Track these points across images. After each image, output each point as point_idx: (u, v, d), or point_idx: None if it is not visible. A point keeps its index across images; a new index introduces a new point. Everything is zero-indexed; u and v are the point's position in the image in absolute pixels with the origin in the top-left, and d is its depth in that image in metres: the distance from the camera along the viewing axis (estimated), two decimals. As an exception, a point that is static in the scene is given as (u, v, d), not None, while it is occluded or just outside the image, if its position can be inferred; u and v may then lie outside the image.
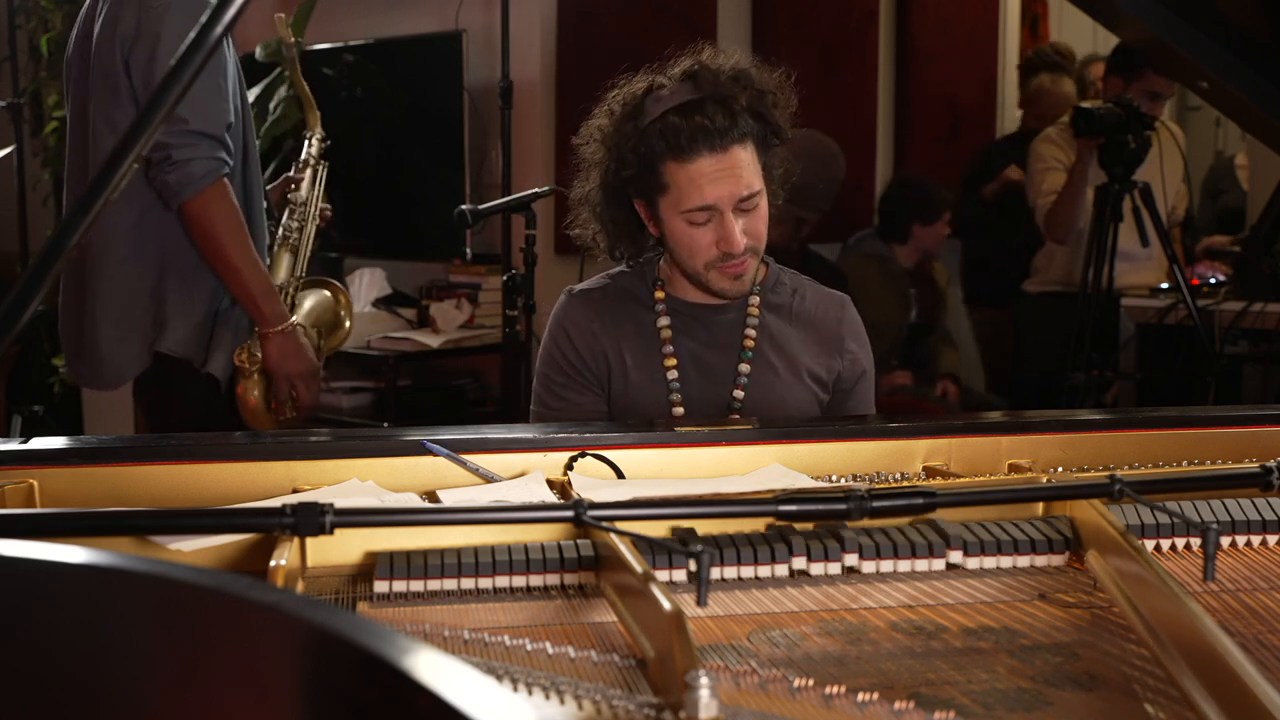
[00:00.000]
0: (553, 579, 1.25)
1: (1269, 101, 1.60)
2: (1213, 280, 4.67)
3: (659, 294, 2.08)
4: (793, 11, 5.18)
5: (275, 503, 1.26)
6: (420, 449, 1.49)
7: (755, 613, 1.20)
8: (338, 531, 1.14)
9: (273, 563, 1.16)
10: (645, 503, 1.31)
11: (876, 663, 1.09)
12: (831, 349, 2.09)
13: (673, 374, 2.03)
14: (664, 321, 2.06)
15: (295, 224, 2.70)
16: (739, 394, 2.03)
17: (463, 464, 1.50)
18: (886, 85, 5.57)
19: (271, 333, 2.48)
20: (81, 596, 0.75)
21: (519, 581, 1.24)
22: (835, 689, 1.00)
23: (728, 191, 1.93)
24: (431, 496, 1.45)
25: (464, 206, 3.12)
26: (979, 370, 4.95)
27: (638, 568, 1.11)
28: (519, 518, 1.26)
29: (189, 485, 1.45)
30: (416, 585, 1.22)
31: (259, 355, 2.48)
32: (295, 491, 1.45)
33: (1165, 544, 1.36)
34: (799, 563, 1.27)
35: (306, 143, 2.80)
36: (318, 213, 2.75)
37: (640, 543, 1.19)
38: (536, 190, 3.13)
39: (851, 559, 1.28)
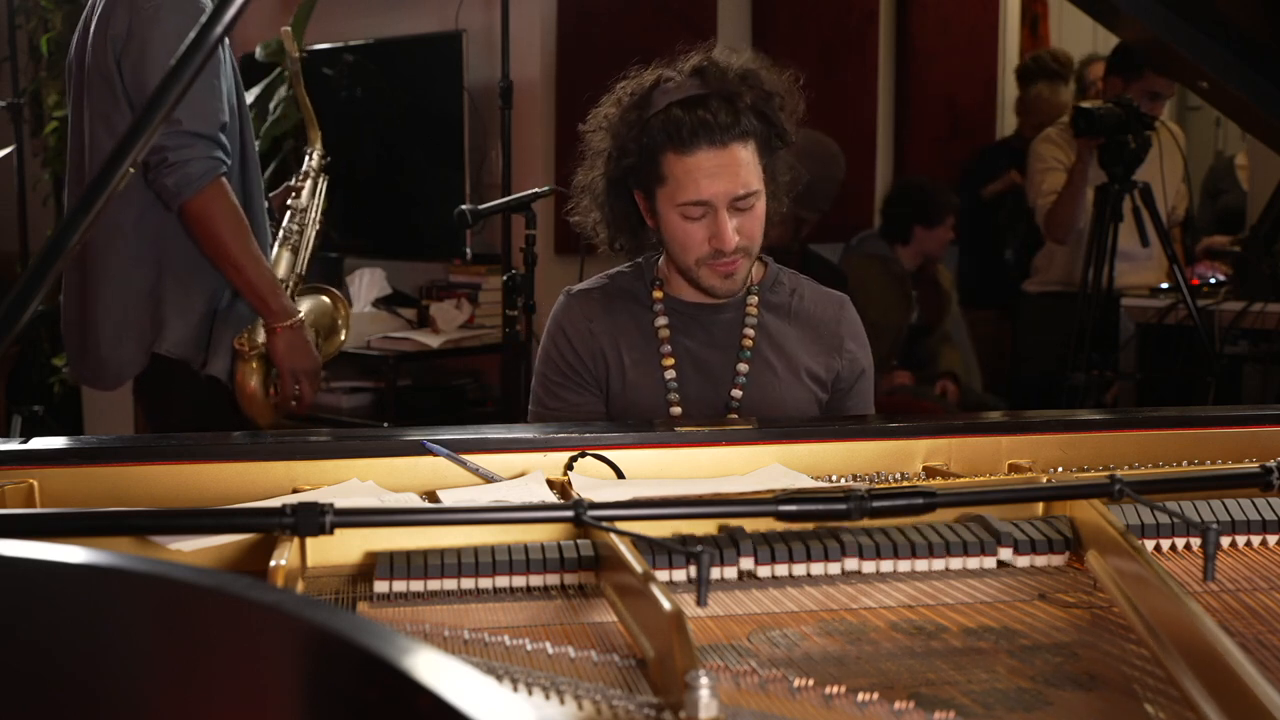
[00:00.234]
0: (553, 579, 1.25)
1: (1269, 101, 1.60)
2: (1213, 280, 4.68)
3: (657, 293, 2.08)
4: (793, 11, 5.18)
5: (275, 503, 1.26)
6: (420, 449, 1.49)
7: (755, 613, 1.20)
8: (338, 531, 1.14)
9: (273, 563, 1.16)
10: (645, 503, 1.31)
11: (876, 663, 1.09)
12: (830, 348, 2.09)
13: (670, 373, 2.03)
14: (662, 321, 2.06)
15: (295, 226, 2.70)
16: (737, 393, 2.03)
17: (463, 464, 1.50)
18: (886, 85, 5.57)
19: (280, 327, 2.48)
20: (81, 596, 0.75)
21: (519, 581, 1.24)
22: (835, 689, 1.00)
23: (723, 188, 1.93)
24: (431, 496, 1.45)
25: (464, 206, 3.12)
26: (976, 371, 4.95)
27: (638, 568, 1.11)
28: (519, 518, 1.26)
29: (189, 485, 1.45)
30: (416, 585, 1.22)
31: (259, 341, 2.49)
32: (295, 491, 1.45)
33: (1165, 544, 1.36)
34: (799, 567, 1.27)
35: (307, 156, 2.80)
36: (318, 218, 2.75)
37: (640, 543, 1.19)
38: (536, 190, 3.13)
39: (852, 562, 1.28)
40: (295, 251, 2.68)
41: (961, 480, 1.49)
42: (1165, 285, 4.38)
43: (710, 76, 1.94)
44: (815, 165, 3.88)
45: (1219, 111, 2.78)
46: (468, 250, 4.49)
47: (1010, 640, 1.14)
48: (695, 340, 2.06)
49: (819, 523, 1.29)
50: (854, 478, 1.57)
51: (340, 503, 1.14)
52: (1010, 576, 1.29)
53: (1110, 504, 1.32)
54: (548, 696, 0.98)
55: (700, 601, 1.09)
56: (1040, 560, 1.32)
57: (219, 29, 1.10)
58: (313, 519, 1.12)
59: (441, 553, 1.24)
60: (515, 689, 1.00)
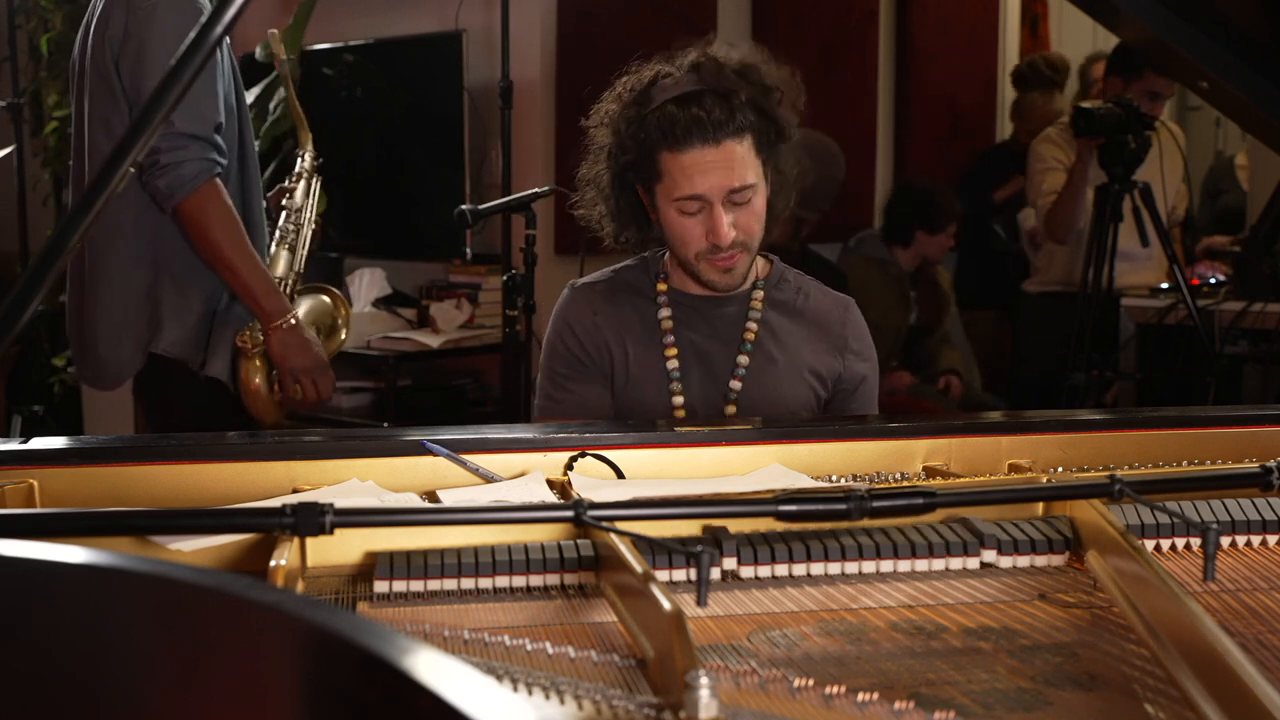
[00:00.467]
0: (553, 579, 1.25)
1: (1269, 101, 1.60)
2: (1213, 280, 4.68)
3: (661, 285, 2.09)
4: (793, 11, 5.18)
5: (275, 503, 1.26)
6: (420, 449, 1.49)
7: (755, 613, 1.20)
8: (338, 531, 1.14)
9: (273, 563, 1.16)
10: (645, 503, 1.31)
11: (876, 663, 1.09)
12: (834, 349, 2.09)
13: (673, 363, 2.04)
14: (665, 313, 2.07)
15: (291, 226, 2.70)
16: (736, 384, 2.03)
17: (463, 464, 1.50)
18: (886, 85, 5.57)
19: (273, 328, 2.49)
20: (81, 596, 0.75)
21: (519, 581, 1.24)
22: (835, 689, 1.00)
23: (717, 183, 1.94)
24: (431, 496, 1.45)
25: (464, 206, 3.12)
26: (976, 371, 4.95)
27: (638, 568, 1.11)
28: (519, 518, 1.26)
29: (189, 485, 1.45)
30: (416, 585, 1.22)
31: (260, 338, 2.49)
32: (295, 491, 1.45)
33: (1165, 544, 1.36)
34: (799, 567, 1.27)
35: (299, 158, 2.80)
36: (313, 217, 2.76)
37: (640, 543, 1.19)
38: (536, 190, 3.13)
39: (852, 565, 1.28)
40: (293, 250, 2.68)
41: (961, 480, 1.49)
42: (1165, 285, 4.38)
43: (707, 72, 1.95)
44: (815, 165, 3.87)
45: (1219, 111, 2.78)
46: (468, 250, 4.49)
47: (1010, 640, 1.14)
48: (698, 332, 2.07)
49: (819, 523, 1.29)
50: (854, 478, 1.57)
51: (340, 503, 1.14)
52: (1010, 576, 1.29)
53: (1110, 504, 1.32)
54: (548, 696, 0.98)
55: (700, 601, 1.09)
56: (1040, 560, 1.31)
57: (219, 29, 1.10)
58: (313, 519, 1.12)
59: (441, 553, 1.24)
60: (515, 689, 1.00)
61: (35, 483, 1.41)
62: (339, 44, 4.78)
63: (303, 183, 2.77)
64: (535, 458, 1.54)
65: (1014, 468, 1.57)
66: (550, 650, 1.08)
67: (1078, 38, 6.27)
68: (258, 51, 4.53)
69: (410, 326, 4.59)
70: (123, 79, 2.42)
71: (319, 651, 0.70)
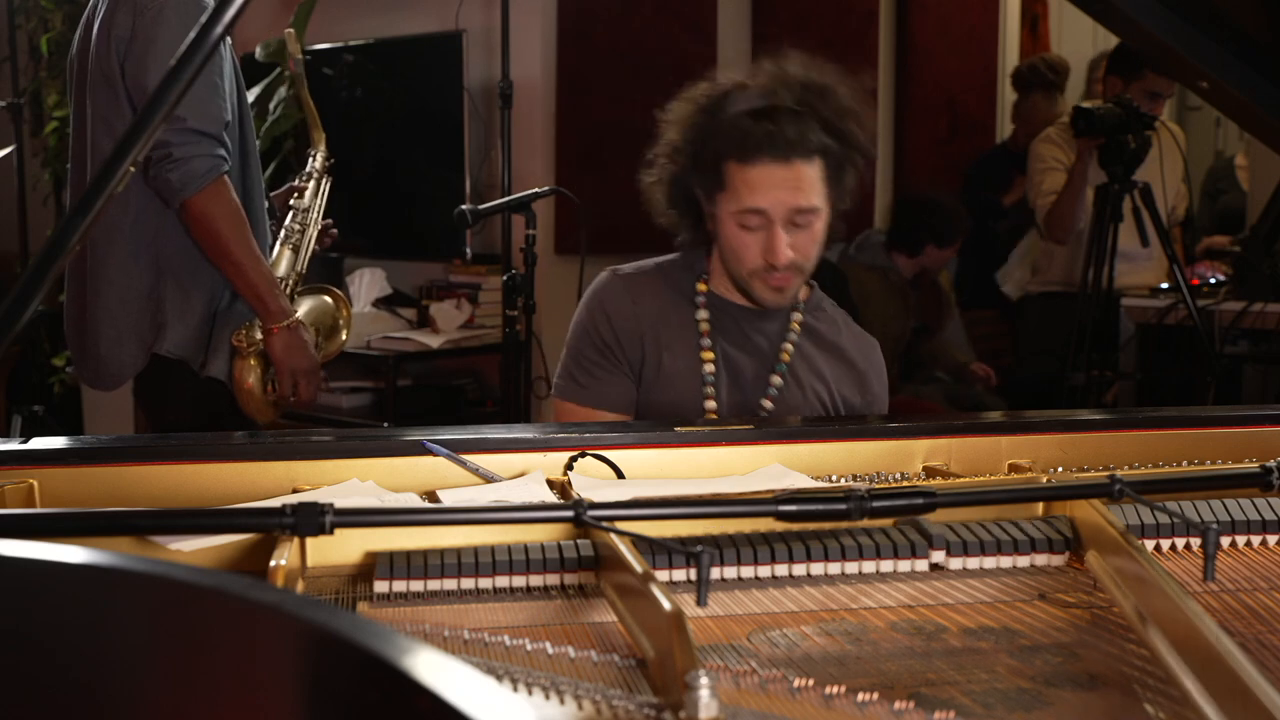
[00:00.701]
0: (553, 579, 1.25)
1: (1269, 101, 1.60)
2: (1213, 280, 4.68)
3: (701, 285, 2.07)
4: (793, 11, 5.18)
5: (275, 503, 1.26)
6: (420, 449, 1.49)
7: (755, 613, 1.20)
8: (338, 531, 1.14)
9: (273, 563, 1.16)
10: (645, 503, 1.31)
11: (876, 663, 1.09)
12: (857, 388, 2.10)
13: (709, 368, 2.03)
14: (703, 315, 2.05)
15: (297, 226, 2.70)
16: (767, 403, 2.03)
17: (463, 464, 1.50)
18: (886, 85, 5.57)
19: (276, 328, 2.49)
20: (81, 596, 0.75)
21: (519, 581, 1.24)
22: (835, 689, 1.00)
23: (782, 201, 1.92)
24: (431, 496, 1.45)
25: (464, 206, 3.12)
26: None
27: (638, 568, 1.11)
28: (519, 518, 1.26)
29: (189, 485, 1.45)
30: (416, 585, 1.22)
31: (257, 338, 2.49)
32: (295, 491, 1.45)
33: (1165, 544, 1.36)
34: (799, 567, 1.27)
35: (311, 158, 2.80)
36: (319, 218, 2.75)
37: (640, 543, 1.19)
38: (536, 190, 3.13)
39: (852, 565, 1.28)
40: (296, 250, 2.68)
41: (961, 480, 1.49)
42: (1165, 285, 4.38)
43: (786, 89, 1.94)
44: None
45: (1219, 111, 2.78)
46: (468, 250, 4.49)
47: (1010, 640, 1.14)
48: (731, 342, 2.05)
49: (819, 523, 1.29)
50: (854, 478, 1.57)
51: (340, 503, 1.14)
52: (1010, 576, 1.29)
53: (1110, 504, 1.31)
54: (548, 696, 0.98)
55: (700, 601, 1.09)
56: (1040, 560, 1.31)
57: (219, 29, 1.10)
58: (313, 519, 1.12)
59: (441, 553, 1.24)
60: (515, 689, 1.00)
61: (35, 483, 1.41)
62: (339, 44, 4.78)
63: (313, 183, 2.77)
64: (535, 458, 1.53)
65: (1014, 468, 1.57)
66: (550, 650, 1.07)
67: (1078, 38, 6.27)
68: (258, 51, 4.52)
69: (410, 326, 4.59)
70: (127, 80, 2.42)
71: (319, 651, 0.70)
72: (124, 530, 1.24)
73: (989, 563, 1.30)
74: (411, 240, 4.79)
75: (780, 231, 1.93)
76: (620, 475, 1.53)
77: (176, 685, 0.74)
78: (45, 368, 5.38)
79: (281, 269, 2.63)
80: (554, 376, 2.12)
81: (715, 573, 1.24)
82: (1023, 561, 1.31)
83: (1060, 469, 1.60)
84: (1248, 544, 1.38)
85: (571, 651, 1.07)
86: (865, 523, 1.24)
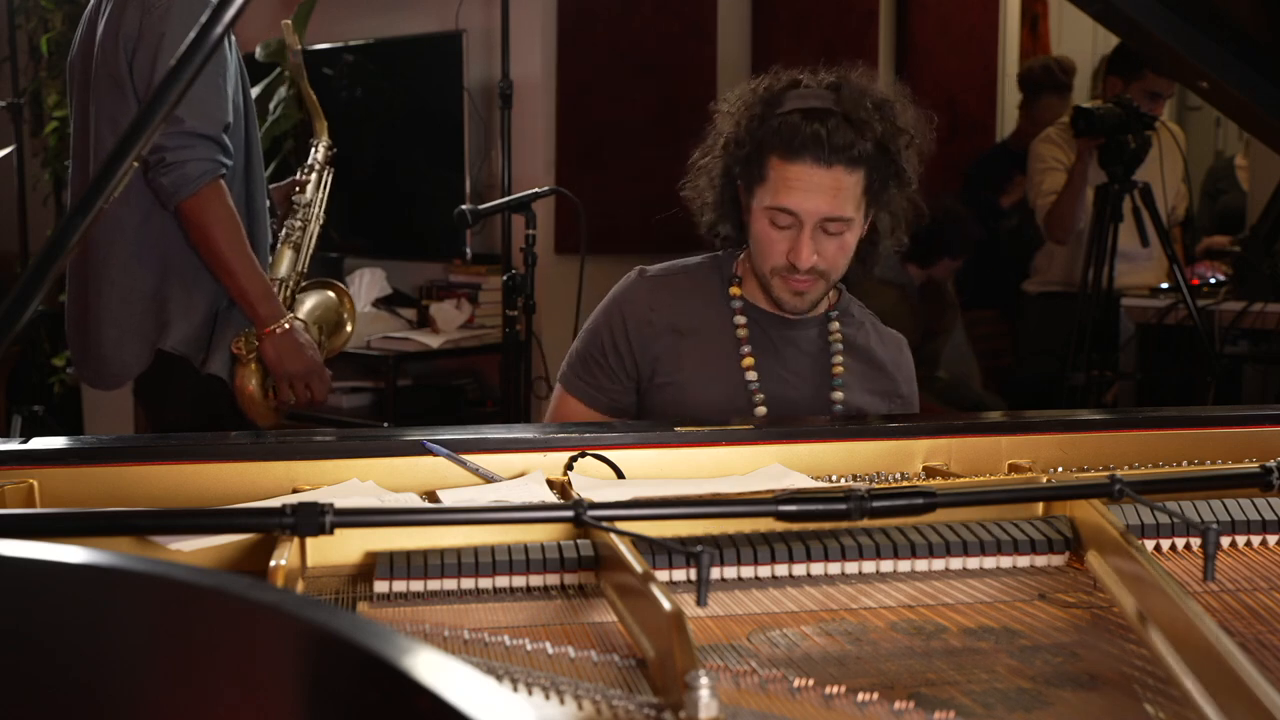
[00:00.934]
0: (553, 579, 1.25)
1: (1269, 101, 1.60)
2: (1213, 280, 4.68)
3: (734, 290, 2.07)
4: (793, 11, 5.18)
5: (275, 503, 1.26)
6: (420, 449, 1.49)
7: (755, 613, 1.20)
8: (338, 531, 1.14)
9: (273, 563, 1.16)
10: (645, 503, 1.31)
11: (876, 663, 1.09)
12: (884, 391, 2.09)
13: (751, 374, 2.02)
14: (740, 320, 2.05)
15: (299, 223, 2.70)
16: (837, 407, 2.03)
17: (463, 464, 1.50)
18: (886, 85, 5.56)
19: (267, 333, 2.49)
20: (81, 596, 0.75)
21: (519, 581, 1.24)
22: (835, 689, 1.00)
23: (815, 205, 1.91)
24: (431, 496, 1.45)
25: (464, 206, 3.13)
26: (976, 371, 4.95)
27: (638, 568, 1.11)
28: (519, 518, 1.26)
29: (189, 485, 1.45)
30: (416, 585, 1.22)
31: (256, 344, 2.49)
32: (295, 491, 1.45)
33: (1165, 544, 1.36)
34: (799, 567, 1.27)
35: (313, 149, 2.79)
36: (321, 213, 2.75)
37: (640, 543, 1.19)
38: (536, 190, 3.13)
39: (853, 565, 1.28)
40: (298, 249, 2.68)
41: (961, 480, 1.49)
42: (1165, 285, 4.38)
43: (844, 95, 1.93)
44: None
45: (1219, 111, 2.78)
46: (468, 250, 4.49)
47: (1010, 640, 1.14)
48: (763, 350, 2.04)
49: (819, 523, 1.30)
50: (854, 478, 1.57)
51: (340, 503, 1.14)
52: (1010, 576, 1.29)
53: (1110, 504, 1.32)
54: (548, 696, 0.98)
55: (700, 601, 1.09)
56: (1040, 560, 1.32)
57: (220, 28, 1.10)
58: (313, 519, 1.12)
59: (441, 553, 1.24)
60: (515, 689, 1.00)
61: (35, 483, 1.41)
62: (339, 44, 4.78)
63: (315, 175, 2.76)
64: (535, 458, 1.54)
65: (1014, 468, 1.57)
66: (550, 650, 1.07)
67: (1078, 38, 6.27)
68: (258, 51, 4.53)
69: (410, 326, 4.59)
70: (135, 79, 2.41)
71: (319, 651, 0.70)
72: (124, 530, 1.24)
73: (989, 563, 1.31)
74: (411, 240, 4.79)
75: (808, 235, 1.92)
76: (620, 475, 1.53)
77: (176, 685, 0.74)
78: (45, 368, 5.38)
79: (282, 268, 2.63)
80: (563, 361, 2.12)
81: (715, 573, 1.25)
82: (1023, 561, 1.31)
83: (1060, 469, 1.60)
84: (1248, 544, 1.38)
85: (571, 651, 1.07)
86: (865, 523, 1.24)
